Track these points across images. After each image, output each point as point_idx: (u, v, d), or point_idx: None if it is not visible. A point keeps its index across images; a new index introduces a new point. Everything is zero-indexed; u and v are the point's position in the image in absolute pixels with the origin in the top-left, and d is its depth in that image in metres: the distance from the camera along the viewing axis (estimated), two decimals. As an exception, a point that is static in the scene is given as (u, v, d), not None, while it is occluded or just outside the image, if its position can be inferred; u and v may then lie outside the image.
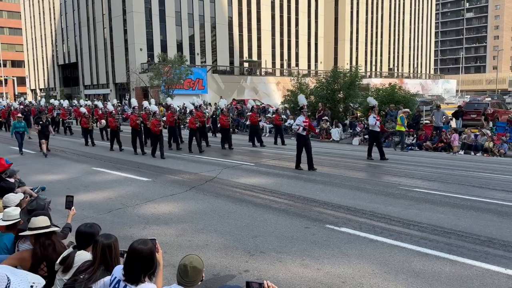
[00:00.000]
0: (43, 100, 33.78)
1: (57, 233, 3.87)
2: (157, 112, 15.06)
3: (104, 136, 20.72)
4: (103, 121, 20.24)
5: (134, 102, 18.69)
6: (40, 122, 15.59)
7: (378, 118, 13.91)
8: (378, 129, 13.83)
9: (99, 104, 26.83)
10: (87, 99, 35.90)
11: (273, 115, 20.42)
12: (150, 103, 18.14)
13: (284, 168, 12.49)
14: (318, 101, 23.93)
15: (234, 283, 4.74)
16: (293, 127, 12.25)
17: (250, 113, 19.45)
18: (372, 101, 14.83)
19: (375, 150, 13.97)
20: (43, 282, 1.92)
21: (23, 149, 15.90)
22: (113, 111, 18.30)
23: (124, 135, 19.28)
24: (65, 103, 29.90)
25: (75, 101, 33.57)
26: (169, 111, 17.79)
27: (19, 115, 16.94)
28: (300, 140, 12.08)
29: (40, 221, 3.71)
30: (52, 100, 32.31)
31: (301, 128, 11.86)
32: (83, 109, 20.19)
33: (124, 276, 2.91)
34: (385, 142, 18.79)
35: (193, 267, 2.87)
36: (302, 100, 13.06)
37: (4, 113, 27.84)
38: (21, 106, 29.04)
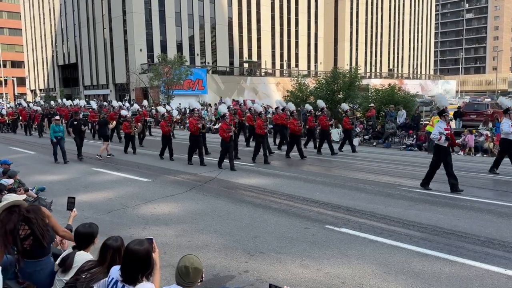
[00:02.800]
0: (65, 100, 30.99)
1: (20, 204, 3.79)
2: (227, 114, 12.88)
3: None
4: (140, 125, 18.11)
5: (194, 103, 15.39)
6: (101, 120, 14.61)
7: None
8: None
9: (136, 106, 24.17)
10: (115, 100, 33.43)
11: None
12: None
13: (283, 168, 12.49)
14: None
15: (234, 284, 4.75)
16: (432, 136, 9.53)
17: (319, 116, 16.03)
18: (505, 102, 12.19)
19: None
20: None
21: (58, 157, 13.63)
22: (165, 114, 16.02)
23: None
24: (94, 104, 27.14)
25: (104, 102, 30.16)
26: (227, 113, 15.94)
27: (57, 117, 14.63)
28: (439, 153, 9.12)
29: (5, 199, 3.82)
30: (77, 101, 29.55)
31: (443, 137, 8.90)
32: (124, 112, 17.85)
33: (121, 276, 2.93)
34: (384, 143, 18.81)
35: (195, 268, 2.88)
36: (442, 100, 9.97)
37: (24, 115, 25.26)
38: (38, 107, 26.68)
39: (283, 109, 16.85)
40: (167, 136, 14.16)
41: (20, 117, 26.55)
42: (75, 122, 14.37)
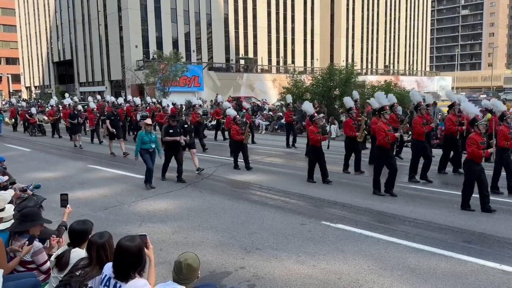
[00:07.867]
0: (111, 97, 24.31)
1: None
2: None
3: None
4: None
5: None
6: (185, 126, 10.71)
7: None
8: None
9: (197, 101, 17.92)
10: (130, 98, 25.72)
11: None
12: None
13: (280, 165, 12.48)
14: (314, 98, 23.94)
15: (231, 280, 4.75)
16: None
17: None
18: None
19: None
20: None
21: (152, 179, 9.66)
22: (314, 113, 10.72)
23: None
24: (168, 102, 19.79)
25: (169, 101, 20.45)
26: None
27: (148, 121, 9.99)
28: None
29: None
30: (129, 97, 23.80)
31: None
32: (231, 111, 12.84)
33: (113, 273, 2.92)
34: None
35: (188, 264, 2.87)
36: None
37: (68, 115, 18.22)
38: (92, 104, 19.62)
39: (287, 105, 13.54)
40: (317, 148, 9.79)
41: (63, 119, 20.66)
42: (171, 131, 9.92)
